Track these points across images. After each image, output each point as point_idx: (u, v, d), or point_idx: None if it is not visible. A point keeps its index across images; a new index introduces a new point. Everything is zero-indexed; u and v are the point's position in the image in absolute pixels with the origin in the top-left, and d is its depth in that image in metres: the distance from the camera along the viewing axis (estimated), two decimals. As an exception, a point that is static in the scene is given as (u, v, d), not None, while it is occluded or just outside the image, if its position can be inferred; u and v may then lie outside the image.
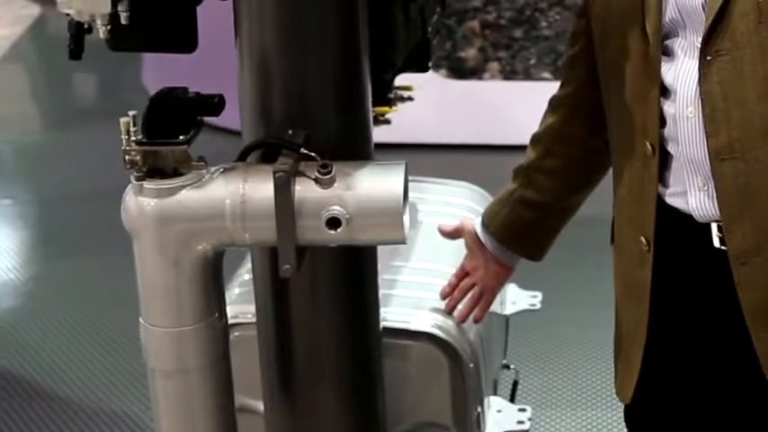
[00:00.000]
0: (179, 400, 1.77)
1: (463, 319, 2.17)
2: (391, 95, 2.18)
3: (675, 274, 1.79)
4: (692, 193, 1.72)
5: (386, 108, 2.16)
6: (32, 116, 6.67)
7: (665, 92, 1.73)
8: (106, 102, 6.67)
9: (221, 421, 1.81)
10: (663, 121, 1.73)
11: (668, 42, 1.72)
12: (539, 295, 2.75)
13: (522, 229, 2.10)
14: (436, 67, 4.33)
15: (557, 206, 2.07)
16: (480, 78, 4.48)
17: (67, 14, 1.78)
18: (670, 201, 1.76)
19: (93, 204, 4.91)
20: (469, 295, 2.17)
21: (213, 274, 1.74)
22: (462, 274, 2.18)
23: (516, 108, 4.42)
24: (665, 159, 1.75)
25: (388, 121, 2.17)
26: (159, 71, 5.58)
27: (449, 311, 2.17)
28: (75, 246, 4.67)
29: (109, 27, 1.76)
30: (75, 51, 1.88)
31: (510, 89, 4.48)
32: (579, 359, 3.68)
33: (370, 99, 1.84)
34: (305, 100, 1.77)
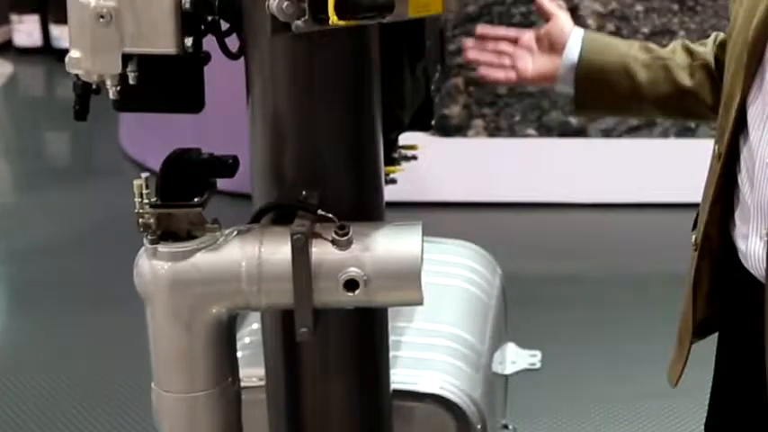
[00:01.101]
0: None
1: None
2: (396, 155, 2.17)
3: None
4: (753, 240, 1.72)
5: (391, 168, 2.15)
6: (4, 176, 6.62)
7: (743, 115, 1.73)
8: (82, 161, 6.63)
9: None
10: (739, 130, 1.73)
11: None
12: (538, 354, 2.74)
13: (603, 70, 2.03)
14: (420, 125, 4.34)
15: (642, 93, 2.04)
16: (465, 136, 4.49)
17: (76, 75, 1.77)
18: (734, 235, 1.77)
19: (67, 264, 4.86)
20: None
21: (227, 338, 1.72)
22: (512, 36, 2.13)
23: (502, 165, 4.43)
24: (737, 193, 1.76)
25: (394, 181, 2.15)
26: (136, 130, 5.56)
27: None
28: (51, 305, 4.61)
29: (118, 87, 1.75)
30: (81, 112, 1.86)
31: (495, 146, 4.48)
32: (578, 418, 3.65)
33: (382, 159, 1.83)
34: (318, 161, 1.75)
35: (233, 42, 1.80)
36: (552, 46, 2.07)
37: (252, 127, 1.78)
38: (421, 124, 2.20)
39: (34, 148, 6.79)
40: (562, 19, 2.08)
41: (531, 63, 2.08)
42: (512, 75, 2.09)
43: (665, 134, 4.45)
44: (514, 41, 2.10)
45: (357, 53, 1.73)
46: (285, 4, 1.54)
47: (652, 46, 2.06)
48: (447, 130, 4.44)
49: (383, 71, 1.84)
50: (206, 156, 1.74)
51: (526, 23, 4.35)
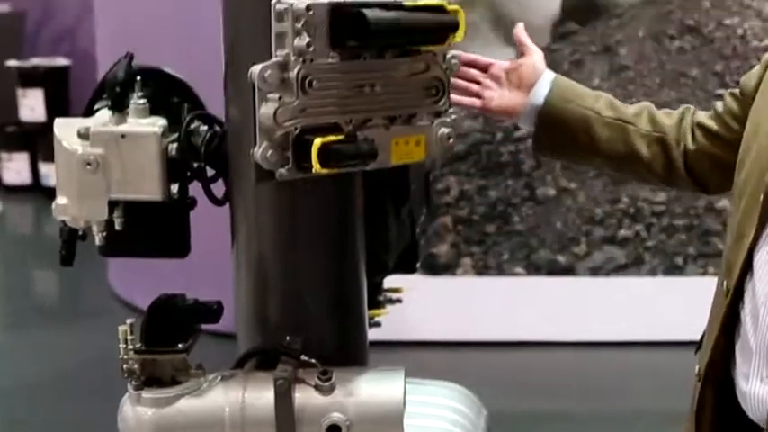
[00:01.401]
0: None
1: None
2: (381, 298, 2.18)
3: None
4: (753, 382, 1.69)
5: (376, 311, 2.15)
6: (-8, 315, 6.60)
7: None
8: (70, 301, 6.61)
9: None
10: (747, 267, 1.72)
11: None
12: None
13: (565, 119, 2.02)
14: (409, 264, 4.35)
15: (598, 149, 2.03)
16: (453, 274, 4.50)
17: (62, 221, 1.79)
18: (735, 374, 1.74)
19: (52, 404, 4.82)
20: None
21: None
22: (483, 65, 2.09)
23: (490, 304, 4.44)
24: (739, 327, 1.74)
25: (378, 324, 2.16)
26: (126, 271, 5.56)
27: None
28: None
29: (105, 233, 1.77)
30: (67, 258, 1.87)
31: (483, 285, 4.50)
32: None
33: (365, 303, 1.84)
34: (302, 306, 1.76)
35: (220, 188, 1.82)
36: (521, 82, 2.06)
37: (236, 272, 1.79)
38: (406, 266, 2.21)
39: (22, 286, 6.78)
40: (536, 57, 2.07)
41: (497, 95, 2.06)
42: (477, 102, 2.07)
43: (652, 272, 4.47)
44: (485, 69, 2.09)
45: (341, 200, 1.76)
46: (269, 152, 1.56)
47: (618, 104, 2.05)
48: (435, 268, 4.46)
49: (368, 216, 1.87)
50: (191, 302, 1.75)
51: (515, 162, 4.41)
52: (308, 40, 1.53)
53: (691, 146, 1.98)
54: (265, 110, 1.54)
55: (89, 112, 1.82)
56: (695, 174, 1.99)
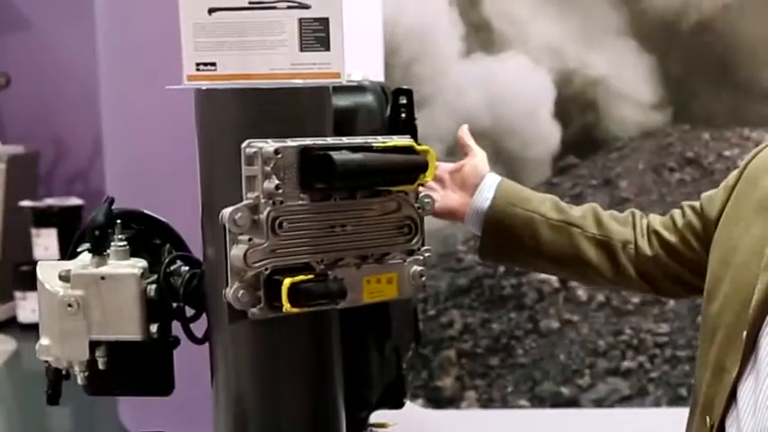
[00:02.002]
0: None
1: None
2: (366, 433, 2.18)
3: None
4: None
5: (365, 446, 2.16)
6: (6, 452, 6.59)
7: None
8: (82, 438, 6.61)
9: None
10: (731, 401, 1.70)
11: (761, 347, 1.69)
12: None
13: (510, 224, 2.03)
14: (413, 397, 4.35)
15: (543, 252, 2.04)
16: (458, 407, 4.49)
17: (46, 362, 1.82)
18: None
19: None
20: None
21: None
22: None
23: (494, 437, 4.44)
24: None
25: (369, 459, 2.16)
26: (137, 408, 5.56)
27: None
28: None
29: (86, 373, 1.80)
30: (53, 397, 1.90)
31: (488, 417, 4.48)
32: None
33: (345, 438, 1.85)
34: (280, 443, 1.78)
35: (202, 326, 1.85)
36: (464, 183, 2.08)
37: (215, 410, 1.81)
38: (392, 402, 2.22)
39: (36, 423, 6.79)
40: (478, 158, 2.10)
41: (441, 196, 2.08)
42: None
43: (657, 403, 4.45)
44: None
45: (316, 336, 1.77)
46: (240, 292, 1.60)
47: (563, 206, 2.06)
48: (440, 402, 4.46)
49: (349, 351, 1.89)
50: (167, 439, 1.77)
51: (517, 295, 4.43)
52: (276, 182, 1.58)
53: (648, 252, 1.98)
54: (236, 251, 1.58)
55: (72, 254, 1.87)
56: (647, 278, 1.99)
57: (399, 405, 2.23)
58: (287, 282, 1.57)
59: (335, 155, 1.58)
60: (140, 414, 5.49)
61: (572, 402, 4.47)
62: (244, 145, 1.59)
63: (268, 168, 1.58)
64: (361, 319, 1.94)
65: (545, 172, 4.29)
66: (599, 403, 4.48)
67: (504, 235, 2.05)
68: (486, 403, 4.48)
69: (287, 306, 1.57)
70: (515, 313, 4.47)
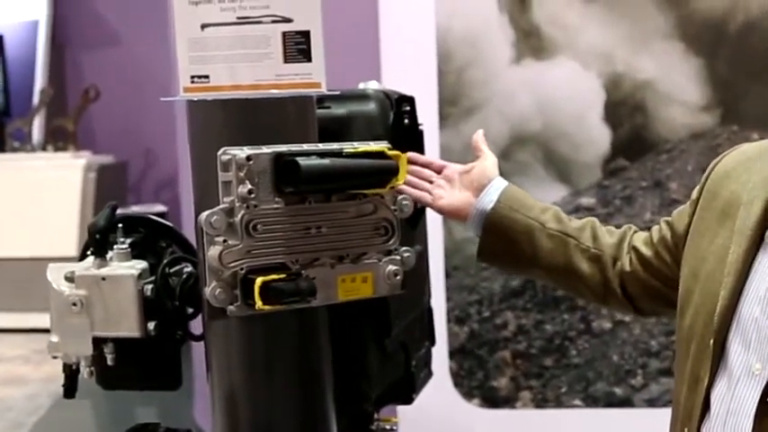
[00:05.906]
0: None
1: None
2: (373, 427, 2.26)
3: None
4: None
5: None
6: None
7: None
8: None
9: None
10: (705, 409, 1.73)
11: (730, 352, 1.72)
12: None
13: (510, 228, 2.09)
14: (469, 397, 4.42)
15: (539, 260, 2.09)
16: (513, 407, 4.55)
17: (54, 357, 1.95)
18: None
19: None
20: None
21: None
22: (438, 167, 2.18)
23: (549, 436, 4.49)
24: None
25: (392, 436, 2.24)
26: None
27: None
28: None
29: (93, 368, 1.92)
30: (70, 390, 2.03)
31: (542, 417, 4.53)
32: None
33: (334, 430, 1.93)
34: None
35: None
36: (471, 184, 2.14)
37: (212, 405, 1.91)
38: (402, 398, 2.31)
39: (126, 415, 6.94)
40: (488, 162, 2.16)
41: (447, 194, 2.15)
42: (427, 198, 2.15)
43: (710, 403, 4.47)
44: (439, 171, 2.18)
45: (304, 334, 1.86)
46: (217, 291, 1.70)
47: (564, 217, 2.11)
48: (496, 401, 4.52)
49: (346, 348, 1.98)
50: (163, 429, 1.88)
51: (569, 297, 4.47)
52: (249, 187, 1.68)
53: (627, 268, 2.03)
54: (212, 252, 1.69)
55: (82, 257, 1.99)
56: (629, 295, 2.04)
57: (409, 401, 2.31)
58: (259, 281, 1.67)
59: (302, 160, 1.68)
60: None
61: (625, 402, 4.50)
62: (219, 153, 1.70)
63: (242, 174, 1.68)
64: (359, 317, 2.04)
65: (595, 174, 4.33)
66: (652, 403, 4.49)
67: (502, 239, 2.11)
68: (540, 403, 4.53)
69: (259, 303, 1.67)
70: (568, 314, 4.51)
